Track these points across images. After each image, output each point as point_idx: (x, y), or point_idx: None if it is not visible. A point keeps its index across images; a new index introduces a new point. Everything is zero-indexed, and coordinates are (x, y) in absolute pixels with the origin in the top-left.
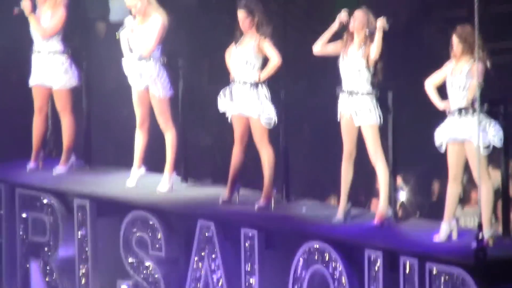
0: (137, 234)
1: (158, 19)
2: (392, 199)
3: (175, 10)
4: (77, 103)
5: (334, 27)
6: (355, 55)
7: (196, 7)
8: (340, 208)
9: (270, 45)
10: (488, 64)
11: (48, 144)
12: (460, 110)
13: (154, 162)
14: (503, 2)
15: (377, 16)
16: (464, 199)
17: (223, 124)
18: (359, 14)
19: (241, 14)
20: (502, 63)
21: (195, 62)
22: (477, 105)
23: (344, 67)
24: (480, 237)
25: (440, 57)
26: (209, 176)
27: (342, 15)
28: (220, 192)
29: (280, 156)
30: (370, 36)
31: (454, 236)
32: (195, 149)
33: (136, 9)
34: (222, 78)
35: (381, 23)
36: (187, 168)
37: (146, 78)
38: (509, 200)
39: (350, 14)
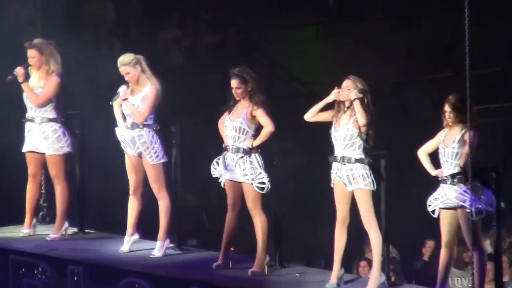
0: None
1: (151, 88)
2: (385, 265)
3: (168, 78)
4: (71, 169)
5: (329, 99)
6: (347, 123)
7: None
8: (333, 273)
9: (263, 113)
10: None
11: (42, 210)
12: (453, 178)
13: (148, 229)
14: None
15: (367, 81)
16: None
17: (218, 190)
18: (347, 84)
19: (234, 84)
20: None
21: (188, 128)
22: (470, 172)
23: (337, 135)
24: None
25: (431, 123)
26: (201, 242)
27: (337, 91)
28: (214, 258)
29: (273, 222)
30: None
31: None
32: (188, 214)
33: (128, 77)
34: (216, 144)
35: (352, 94)
36: (181, 235)
37: (139, 145)
38: (501, 264)
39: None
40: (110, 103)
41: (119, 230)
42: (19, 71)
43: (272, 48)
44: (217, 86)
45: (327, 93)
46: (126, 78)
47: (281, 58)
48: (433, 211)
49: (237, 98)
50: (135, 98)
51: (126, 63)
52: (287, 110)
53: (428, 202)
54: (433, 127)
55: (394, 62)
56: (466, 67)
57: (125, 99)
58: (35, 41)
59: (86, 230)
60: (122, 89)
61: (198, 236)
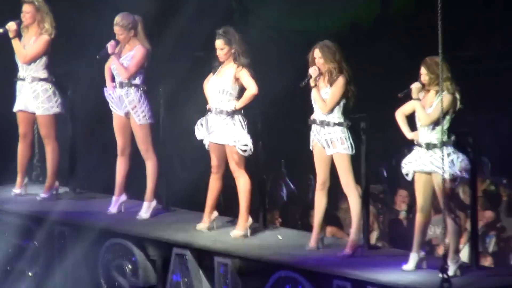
0: (116, 261)
1: (140, 47)
2: (364, 228)
3: (158, 40)
4: (62, 129)
5: (313, 75)
6: (325, 86)
7: (180, 37)
8: (313, 236)
9: (247, 75)
10: (458, 95)
11: (35, 169)
12: (428, 143)
13: (137, 189)
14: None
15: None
16: None
17: (203, 152)
18: (316, 52)
19: (219, 44)
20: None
21: (177, 90)
22: (445, 137)
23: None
24: (445, 267)
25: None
26: (187, 203)
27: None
28: (199, 219)
29: (255, 184)
30: (338, 68)
31: (423, 265)
32: (175, 177)
33: (120, 37)
34: (202, 106)
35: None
36: (168, 196)
37: (126, 104)
38: (476, 230)
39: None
40: (97, 57)
41: (111, 190)
42: (11, 26)
43: None
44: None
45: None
46: (117, 37)
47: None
48: (407, 174)
49: (220, 59)
50: (124, 57)
51: (121, 25)
52: None
53: (402, 164)
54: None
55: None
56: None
57: (113, 53)
58: None
59: (77, 190)
60: (110, 43)
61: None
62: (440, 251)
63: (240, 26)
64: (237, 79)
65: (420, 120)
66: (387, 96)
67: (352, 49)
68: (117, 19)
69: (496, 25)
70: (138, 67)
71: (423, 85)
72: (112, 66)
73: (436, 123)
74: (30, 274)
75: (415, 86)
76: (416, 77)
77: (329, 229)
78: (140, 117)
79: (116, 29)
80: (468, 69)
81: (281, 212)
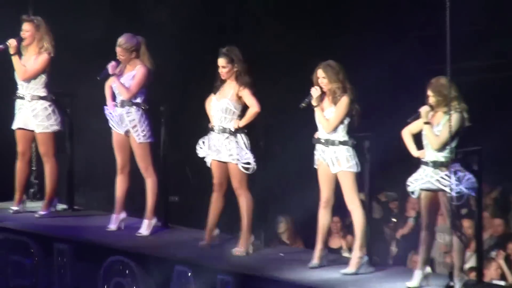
0: (115, 279)
1: (141, 67)
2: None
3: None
4: (61, 147)
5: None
6: (329, 106)
7: (180, 53)
8: (315, 253)
9: (249, 94)
10: (465, 114)
11: (32, 187)
12: (434, 161)
13: (136, 207)
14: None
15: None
16: None
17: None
18: (320, 72)
19: (221, 63)
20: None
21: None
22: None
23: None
24: (451, 285)
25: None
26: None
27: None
28: (200, 237)
29: (258, 203)
30: (342, 88)
31: (428, 283)
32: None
33: (121, 59)
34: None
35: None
36: (168, 214)
37: (126, 123)
38: (482, 248)
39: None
40: (98, 78)
41: (110, 208)
42: (11, 42)
43: None
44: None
45: None
46: (118, 58)
47: None
48: (413, 192)
49: (222, 78)
50: (126, 76)
51: (124, 47)
52: None
53: (408, 182)
54: None
55: None
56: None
57: (114, 75)
58: (32, 16)
59: (75, 207)
60: (110, 64)
61: (182, 193)
62: (449, 259)
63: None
64: (239, 98)
65: (432, 145)
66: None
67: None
68: (120, 41)
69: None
70: (139, 87)
71: (432, 107)
72: (113, 85)
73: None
74: None
75: (424, 110)
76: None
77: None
78: (140, 136)
79: (118, 50)
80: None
81: None
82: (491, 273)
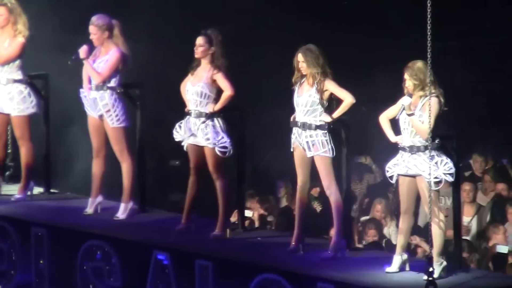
0: (92, 263)
1: (115, 51)
2: (346, 229)
3: (136, 38)
4: (37, 130)
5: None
6: (309, 89)
7: (158, 36)
8: (294, 237)
9: (223, 77)
10: (442, 99)
11: (8, 170)
12: (412, 146)
13: (114, 190)
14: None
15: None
16: None
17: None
18: (299, 56)
19: (199, 41)
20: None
21: (153, 92)
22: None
23: (299, 100)
24: (430, 270)
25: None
26: (165, 204)
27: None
28: (177, 221)
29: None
30: (323, 72)
31: (407, 267)
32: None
33: (94, 38)
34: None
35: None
36: (145, 197)
37: (100, 107)
38: (460, 232)
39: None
40: (69, 61)
41: (87, 191)
42: None
43: None
44: None
45: None
46: (91, 37)
47: None
48: (391, 177)
49: (196, 56)
50: (99, 61)
51: (96, 24)
52: None
53: (386, 168)
54: None
55: None
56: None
57: (84, 58)
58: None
59: (52, 190)
60: (81, 48)
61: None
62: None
63: None
64: (214, 81)
65: (421, 135)
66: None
67: None
68: (93, 18)
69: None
70: (111, 71)
71: (410, 96)
72: (86, 68)
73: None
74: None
75: (407, 102)
76: None
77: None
78: (113, 120)
79: (91, 28)
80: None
81: None
82: (499, 238)
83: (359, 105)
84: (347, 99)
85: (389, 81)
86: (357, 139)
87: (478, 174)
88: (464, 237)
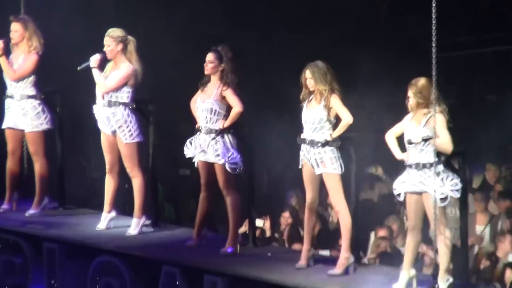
0: (104, 278)
1: (126, 66)
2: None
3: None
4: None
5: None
6: (316, 107)
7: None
8: (303, 254)
9: (232, 94)
10: (446, 115)
11: (23, 186)
12: (418, 163)
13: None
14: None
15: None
16: None
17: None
18: (307, 73)
19: (209, 57)
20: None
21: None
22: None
23: (306, 117)
24: (436, 286)
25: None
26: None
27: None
28: (188, 236)
29: (245, 202)
30: (330, 89)
31: (414, 285)
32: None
33: (107, 49)
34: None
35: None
36: (158, 213)
37: (113, 123)
38: (467, 248)
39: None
40: (78, 68)
41: (101, 206)
42: None
43: None
44: None
45: None
46: (104, 49)
47: None
48: (398, 195)
49: (206, 72)
50: (111, 76)
51: (111, 35)
52: None
53: (393, 185)
54: None
55: None
56: (432, 51)
57: (94, 67)
58: (21, 16)
59: (67, 206)
60: (93, 57)
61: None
62: None
63: None
64: (223, 98)
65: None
66: None
67: None
68: (109, 30)
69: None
70: (118, 84)
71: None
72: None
73: (426, 143)
74: None
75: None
76: None
77: None
78: (126, 136)
79: (106, 39)
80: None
81: None
82: (505, 247)
83: (370, 114)
84: (345, 119)
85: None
86: (367, 150)
87: (492, 183)
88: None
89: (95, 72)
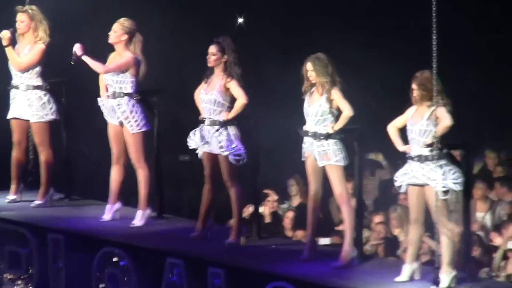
0: (109, 270)
1: (127, 56)
2: (357, 239)
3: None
4: (57, 136)
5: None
6: (319, 98)
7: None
8: (306, 246)
9: (236, 85)
10: (449, 109)
11: (30, 176)
12: (420, 155)
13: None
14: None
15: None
16: None
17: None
18: (308, 65)
19: (211, 49)
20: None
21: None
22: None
23: (309, 110)
24: (437, 280)
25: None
26: (185, 211)
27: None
28: (193, 228)
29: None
30: (332, 81)
31: (416, 277)
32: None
33: (112, 35)
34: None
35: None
36: (163, 204)
37: (119, 114)
38: (470, 241)
39: None
40: (71, 62)
41: (106, 197)
42: (4, 34)
43: None
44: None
45: None
46: (109, 35)
47: None
48: (400, 186)
49: (209, 64)
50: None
51: (121, 23)
52: None
53: (395, 177)
54: None
55: None
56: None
57: (82, 55)
58: (27, 6)
59: (73, 197)
60: (74, 47)
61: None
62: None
63: None
64: (227, 90)
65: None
66: None
67: None
68: (121, 19)
69: None
70: (117, 67)
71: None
72: (105, 76)
73: (428, 136)
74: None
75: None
76: None
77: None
78: (133, 126)
79: (114, 26)
80: None
81: None
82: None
83: (369, 100)
84: (345, 111)
85: (397, 76)
86: (367, 135)
87: (491, 169)
88: (478, 232)
89: (86, 59)
